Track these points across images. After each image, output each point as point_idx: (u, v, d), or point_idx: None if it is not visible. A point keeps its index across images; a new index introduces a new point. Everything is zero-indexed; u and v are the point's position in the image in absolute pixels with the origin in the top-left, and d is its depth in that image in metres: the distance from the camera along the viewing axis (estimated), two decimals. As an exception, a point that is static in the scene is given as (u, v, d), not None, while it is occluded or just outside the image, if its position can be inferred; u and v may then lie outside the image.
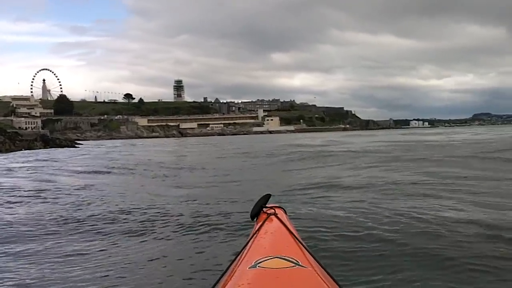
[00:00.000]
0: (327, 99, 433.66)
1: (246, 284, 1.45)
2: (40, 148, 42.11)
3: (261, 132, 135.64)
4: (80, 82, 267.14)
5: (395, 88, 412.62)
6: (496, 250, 4.53)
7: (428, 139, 37.17)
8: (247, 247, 1.89)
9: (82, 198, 9.23)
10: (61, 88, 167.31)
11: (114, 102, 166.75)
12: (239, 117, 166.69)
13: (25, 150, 38.52)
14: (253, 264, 1.61)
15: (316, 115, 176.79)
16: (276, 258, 1.63)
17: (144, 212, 7.23)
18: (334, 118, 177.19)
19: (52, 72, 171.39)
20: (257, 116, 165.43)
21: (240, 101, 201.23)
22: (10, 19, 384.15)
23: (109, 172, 15.98)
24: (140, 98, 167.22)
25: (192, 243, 5.40)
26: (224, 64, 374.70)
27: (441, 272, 4.08)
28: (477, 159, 15.30)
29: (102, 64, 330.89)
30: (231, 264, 1.82)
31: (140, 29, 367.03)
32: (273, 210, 2.29)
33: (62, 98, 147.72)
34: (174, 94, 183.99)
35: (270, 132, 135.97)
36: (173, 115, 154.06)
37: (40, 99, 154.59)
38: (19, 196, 9.74)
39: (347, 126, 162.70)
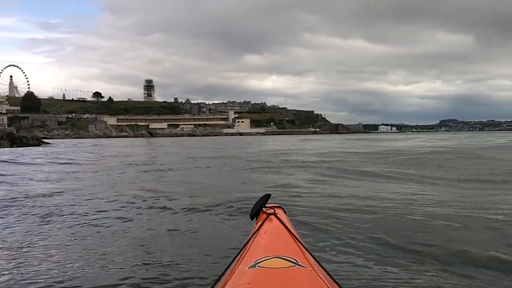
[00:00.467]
0: (298, 102, 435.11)
1: (245, 284, 1.45)
2: (6, 147, 40.58)
3: (232, 134, 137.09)
4: (49, 79, 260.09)
5: (366, 93, 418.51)
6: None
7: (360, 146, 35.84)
8: (247, 247, 1.90)
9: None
10: (28, 85, 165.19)
11: (83, 101, 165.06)
12: (210, 118, 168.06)
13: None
14: (252, 264, 1.62)
15: (287, 118, 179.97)
16: (275, 258, 1.64)
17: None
18: (305, 121, 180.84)
19: (20, 69, 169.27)
20: (228, 117, 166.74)
21: (211, 102, 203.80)
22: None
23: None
24: (110, 97, 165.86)
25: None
26: (196, 64, 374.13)
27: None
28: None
29: (72, 62, 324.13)
30: (230, 264, 1.82)
31: (112, 26, 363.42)
32: (272, 210, 2.31)
33: (30, 95, 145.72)
34: (144, 93, 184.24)
35: (241, 134, 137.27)
36: (143, 114, 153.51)
37: (6, 96, 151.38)
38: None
39: (317, 129, 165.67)
